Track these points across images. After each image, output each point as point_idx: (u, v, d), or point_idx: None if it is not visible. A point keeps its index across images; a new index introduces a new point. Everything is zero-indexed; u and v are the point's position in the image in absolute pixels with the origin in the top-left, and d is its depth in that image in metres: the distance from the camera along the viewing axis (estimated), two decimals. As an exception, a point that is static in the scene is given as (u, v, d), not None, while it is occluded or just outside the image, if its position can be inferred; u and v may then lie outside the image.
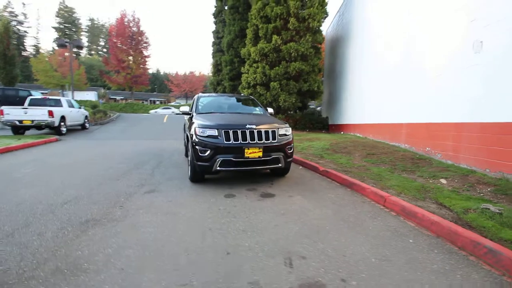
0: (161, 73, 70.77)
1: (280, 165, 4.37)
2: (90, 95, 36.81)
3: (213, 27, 20.47)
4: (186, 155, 7.13)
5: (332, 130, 13.41)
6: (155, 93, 58.92)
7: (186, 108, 5.43)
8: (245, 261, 2.10)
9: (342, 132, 11.89)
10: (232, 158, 4.04)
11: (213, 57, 20.11)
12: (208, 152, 4.04)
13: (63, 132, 11.16)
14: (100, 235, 2.52)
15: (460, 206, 3.21)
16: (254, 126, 4.20)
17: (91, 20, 70.32)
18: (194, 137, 4.22)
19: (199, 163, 4.14)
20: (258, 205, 3.45)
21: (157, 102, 51.80)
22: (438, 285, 1.82)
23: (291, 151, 4.58)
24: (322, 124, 14.23)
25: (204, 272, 1.94)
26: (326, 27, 16.07)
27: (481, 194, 3.64)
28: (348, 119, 11.65)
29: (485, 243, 2.12)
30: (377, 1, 9.03)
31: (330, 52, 14.97)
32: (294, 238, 2.51)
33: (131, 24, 35.92)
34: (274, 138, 4.29)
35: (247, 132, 4.12)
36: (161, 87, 62.44)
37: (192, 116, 5.14)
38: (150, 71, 47.56)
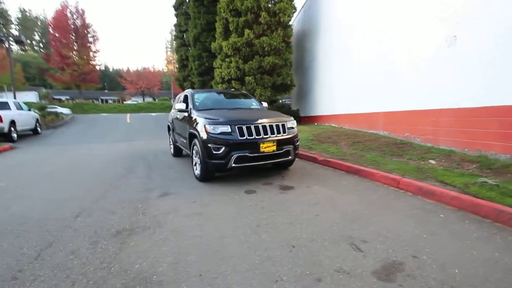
0: (110, 70, 65.48)
1: (290, 157, 4.45)
2: (30, 96, 32.51)
3: (173, 20, 19.49)
4: (175, 155, 6.83)
5: (305, 122, 13.91)
6: (106, 91, 54.31)
7: (182, 106, 5.17)
8: (316, 251, 2.14)
9: (316, 124, 12.42)
10: (247, 154, 4.00)
11: (176, 52, 19.19)
12: (223, 149, 3.93)
13: (15, 138, 9.75)
14: (146, 245, 2.32)
15: (459, 182, 3.65)
16: (265, 121, 4.20)
17: (22, 11, 61.44)
18: (203, 134, 4.07)
19: (212, 161, 4.01)
20: (284, 197, 3.49)
21: (110, 101, 47.86)
22: (488, 249, 2.09)
23: (298, 143, 4.69)
24: (294, 117, 14.59)
25: (285, 267, 1.94)
26: (291, 22, 16.42)
27: (470, 170, 4.18)
28: (320, 110, 12.20)
29: (508, 210, 2.48)
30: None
31: (297, 46, 15.38)
32: (343, 224, 2.62)
33: (74, 16, 32.37)
34: (284, 132, 4.35)
35: (260, 126, 4.11)
36: (111, 84, 57.82)
37: (191, 113, 4.93)
38: (98, 68, 43.54)
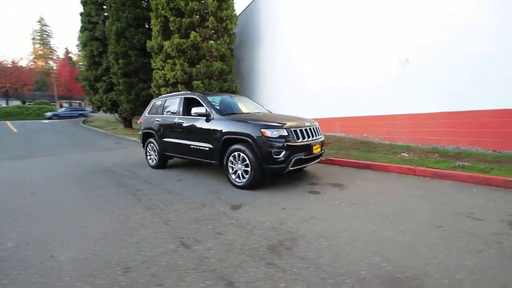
0: None
1: (322, 158, 4.82)
2: None
3: (78, 7, 15.67)
4: (159, 166, 5.92)
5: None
6: None
7: (200, 110, 4.66)
8: (457, 226, 2.63)
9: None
10: (302, 157, 4.11)
11: (84, 47, 15.76)
12: (284, 153, 3.91)
13: None
14: (330, 253, 2.22)
15: (444, 166, 4.96)
16: (309, 124, 4.42)
17: None
18: (261, 139, 3.90)
19: (272, 166, 3.92)
20: (353, 193, 3.83)
21: None
22: (531, 205, 3.14)
23: (323, 144, 5.11)
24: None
25: (464, 241, 2.34)
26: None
27: (438, 158, 5.68)
28: (265, 116, 12.96)
29: (512, 180, 3.72)
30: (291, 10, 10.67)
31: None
32: (435, 206, 3.22)
33: None
34: (320, 134, 4.68)
35: (308, 129, 4.31)
36: None
37: (213, 118, 4.57)
38: None
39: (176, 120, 5.34)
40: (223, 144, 4.39)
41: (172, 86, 11.52)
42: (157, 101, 6.24)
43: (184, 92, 5.69)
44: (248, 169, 4.06)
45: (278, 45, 11.66)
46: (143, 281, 1.90)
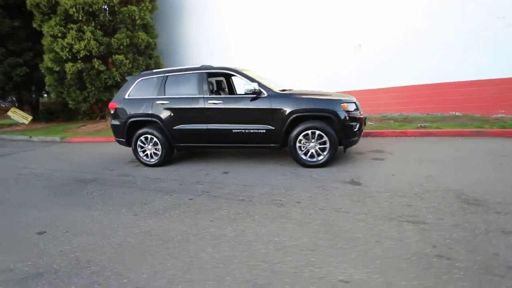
0: None
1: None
2: None
3: None
4: (164, 163, 4.74)
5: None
6: None
7: (252, 86, 3.97)
8: None
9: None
10: (363, 128, 4.39)
11: None
12: (358, 126, 4.06)
13: None
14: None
15: (410, 127, 6.50)
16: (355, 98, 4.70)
17: None
18: (343, 114, 3.86)
19: (351, 139, 4.01)
20: (405, 156, 4.44)
21: None
22: None
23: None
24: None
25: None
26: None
27: (395, 123, 7.26)
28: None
29: (489, 130, 5.42)
30: None
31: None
32: (475, 154, 4.33)
33: None
34: (356, 108, 5.04)
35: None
36: None
37: (266, 95, 4.08)
38: None
39: (202, 101, 4.26)
40: (290, 123, 3.99)
41: (84, 61, 8.61)
42: (146, 79, 4.67)
43: (197, 66, 4.53)
44: (326, 146, 3.94)
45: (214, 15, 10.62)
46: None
